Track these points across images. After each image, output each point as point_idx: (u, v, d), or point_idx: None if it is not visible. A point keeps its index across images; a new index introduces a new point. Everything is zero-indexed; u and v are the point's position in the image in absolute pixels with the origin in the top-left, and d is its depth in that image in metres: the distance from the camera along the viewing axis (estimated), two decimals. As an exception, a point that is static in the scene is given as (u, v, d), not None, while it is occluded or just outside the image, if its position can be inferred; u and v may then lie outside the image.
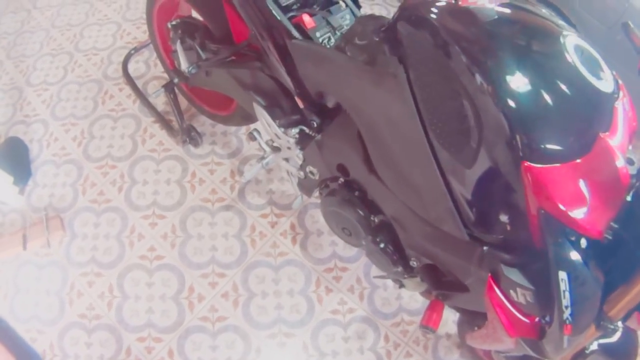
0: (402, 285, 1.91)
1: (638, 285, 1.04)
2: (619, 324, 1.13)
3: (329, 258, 2.62)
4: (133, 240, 2.68)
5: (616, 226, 1.08)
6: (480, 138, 1.14)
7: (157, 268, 2.60)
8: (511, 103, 1.07)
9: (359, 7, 1.82)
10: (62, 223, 2.72)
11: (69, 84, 3.25)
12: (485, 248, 1.32)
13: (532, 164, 1.05)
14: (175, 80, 2.60)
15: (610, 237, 1.08)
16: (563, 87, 1.09)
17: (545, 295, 1.12)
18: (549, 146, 1.06)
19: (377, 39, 1.43)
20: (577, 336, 1.13)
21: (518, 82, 1.08)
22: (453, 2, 1.23)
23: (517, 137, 1.06)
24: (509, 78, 1.08)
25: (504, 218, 1.21)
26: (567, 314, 1.07)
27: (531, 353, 1.30)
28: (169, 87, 2.82)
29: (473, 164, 1.18)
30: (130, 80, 3.19)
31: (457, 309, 1.83)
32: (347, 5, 1.80)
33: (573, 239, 1.05)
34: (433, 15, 1.21)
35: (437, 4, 1.24)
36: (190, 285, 2.55)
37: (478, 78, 1.10)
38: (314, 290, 2.54)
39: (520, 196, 1.10)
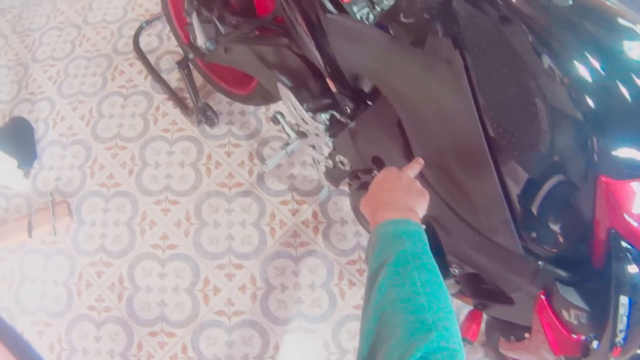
0: None
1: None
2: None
3: (353, 249, 2.45)
4: (144, 227, 2.52)
5: None
6: (551, 143, 1.00)
7: (170, 258, 2.45)
8: (592, 103, 0.92)
9: (400, -21, 1.62)
10: (69, 209, 2.57)
11: (76, 59, 3.07)
12: (540, 263, 1.17)
13: (610, 179, 0.93)
14: (190, 56, 2.38)
15: None
16: None
17: (599, 316, 1.03)
18: (630, 160, 0.93)
19: (427, 17, 1.21)
20: (624, 357, 1.04)
21: (601, 80, 0.93)
22: None
23: (597, 146, 0.93)
24: (590, 74, 0.93)
25: (565, 233, 1.09)
26: (620, 337, 0.98)
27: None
28: (183, 64, 2.63)
29: (539, 173, 1.05)
30: (141, 55, 3.00)
31: (496, 319, 1.67)
32: (387, -23, 1.59)
33: None
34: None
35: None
36: (206, 277, 2.40)
37: (554, 70, 0.95)
38: (336, 283, 2.38)
39: (588, 211, 0.99)
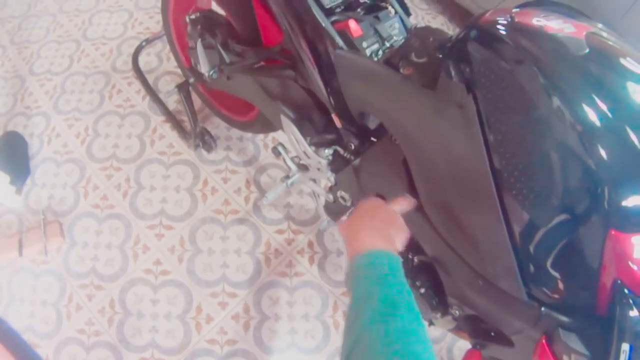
0: (431, 324, 1.74)
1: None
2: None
3: (349, 281, 2.40)
4: (137, 251, 2.49)
5: None
6: (562, 192, 0.99)
7: (163, 284, 2.41)
8: (605, 153, 0.91)
9: (408, 14, 1.61)
10: (61, 228, 2.53)
11: (74, 75, 3.05)
12: (543, 309, 1.15)
13: (621, 232, 0.92)
14: (191, 80, 2.37)
15: None
16: None
17: None
18: None
19: (440, 58, 1.20)
20: None
21: (615, 130, 0.92)
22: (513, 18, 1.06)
23: (609, 198, 0.91)
24: (604, 124, 0.92)
25: (570, 281, 1.08)
26: None
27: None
28: (183, 88, 2.61)
29: (548, 221, 1.04)
30: (140, 75, 2.99)
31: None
32: (396, 12, 1.58)
33: None
34: (518, 40, 1.02)
35: (521, 25, 1.05)
36: (198, 305, 2.37)
37: (567, 118, 0.93)
38: (331, 314, 2.37)
39: (595, 261, 0.98)
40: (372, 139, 1.61)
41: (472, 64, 1.08)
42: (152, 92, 2.90)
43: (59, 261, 2.49)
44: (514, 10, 1.10)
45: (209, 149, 2.69)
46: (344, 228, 1.18)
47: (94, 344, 2.31)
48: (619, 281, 0.96)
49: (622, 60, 1.02)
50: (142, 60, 3.07)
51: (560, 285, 1.10)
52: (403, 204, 1.29)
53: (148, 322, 2.34)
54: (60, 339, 2.33)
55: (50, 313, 2.38)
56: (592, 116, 0.92)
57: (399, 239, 1.14)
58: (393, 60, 1.33)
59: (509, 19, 1.07)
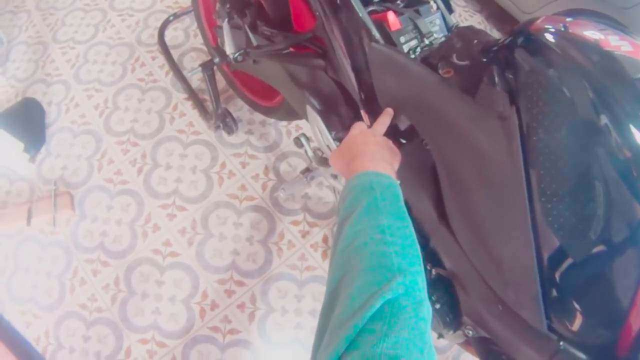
0: (441, 336, 1.68)
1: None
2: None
3: (359, 280, 2.35)
4: (147, 230, 2.44)
5: None
6: (602, 225, 0.91)
7: (170, 266, 2.37)
8: None
9: (451, 11, 1.53)
10: (72, 201, 2.50)
11: (98, 45, 3.00)
12: (561, 343, 1.09)
13: None
14: (216, 60, 2.29)
15: None
16: None
17: None
18: None
19: (483, 63, 1.12)
20: None
21: None
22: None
23: None
24: None
25: (596, 319, 1.01)
26: None
27: None
28: (207, 67, 2.54)
29: (582, 255, 0.97)
30: (165, 49, 2.93)
31: None
32: (438, 8, 1.50)
33: None
34: (571, 53, 0.95)
35: (575, 36, 0.98)
36: (204, 290, 2.33)
37: (617, 144, 0.87)
38: (339, 314, 2.28)
39: (626, 300, 0.92)
40: (402, 140, 1.49)
41: (519, 72, 1.01)
42: (175, 68, 2.84)
43: (67, 233, 2.45)
44: (567, 19, 1.02)
45: (230, 131, 2.63)
46: (336, 159, 1.16)
47: (95, 320, 2.29)
48: None
49: None
50: (168, 35, 3.01)
51: (586, 323, 1.04)
52: (386, 120, 1.27)
53: (152, 303, 2.31)
54: (62, 312, 2.31)
55: (53, 285, 2.36)
56: None
57: (395, 162, 1.14)
58: (432, 59, 1.26)
59: (563, 29, 0.99)
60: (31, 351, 2.25)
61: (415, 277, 0.77)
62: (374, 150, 1.10)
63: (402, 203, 0.95)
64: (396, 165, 1.13)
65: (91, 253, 2.41)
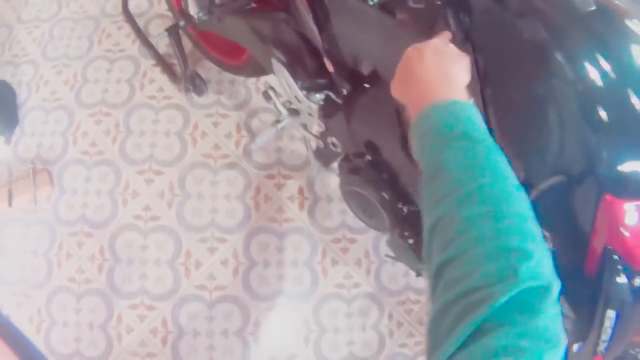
0: (419, 275, 1.69)
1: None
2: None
3: (338, 228, 2.36)
4: (127, 197, 2.41)
5: None
6: (558, 151, 0.97)
7: (152, 230, 2.35)
8: (605, 115, 0.89)
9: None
10: (51, 177, 2.46)
11: (62, 21, 2.91)
12: None
13: (614, 198, 0.90)
14: (181, 23, 2.23)
15: None
16: None
17: (584, 324, 1.02)
18: (637, 179, 0.90)
19: (439, 4, 1.10)
20: None
21: (616, 90, 0.90)
22: None
23: (606, 162, 0.90)
24: (605, 83, 0.89)
25: (560, 242, 1.04)
26: (602, 347, 0.98)
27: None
28: (173, 31, 2.48)
29: (541, 179, 1.01)
30: (130, 18, 2.85)
31: None
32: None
33: (631, 277, 0.95)
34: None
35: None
36: (187, 250, 2.31)
37: (568, 76, 0.91)
38: (319, 261, 2.30)
39: (587, 224, 0.96)
40: (365, 85, 1.54)
41: (472, 13, 1.04)
42: (142, 36, 2.78)
43: (48, 210, 2.42)
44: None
45: (200, 92, 2.58)
46: (397, 89, 0.99)
47: (85, 292, 2.27)
48: (609, 247, 0.94)
49: (627, 22, 0.97)
50: (132, 4, 2.92)
51: (551, 245, 1.06)
52: (445, 34, 1.03)
53: (137, 268, 2.29)
54: (51, 287, 2.29)
55: (40, 262, 2.34)
56: (595, 76, 0.89)
57: (462, 70, 0.93)
58: (389, 4, 1.26)
59: None
60: (32, 351, 2.23)
61: (536, 252, 0.69)
62: (433, 65, 0.92)
63: (483, 126, 0.82)
64: (465, 71, 0.94)
65: (74, 226, 2.38)
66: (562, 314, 1.01)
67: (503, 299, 0.63)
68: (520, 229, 0.71)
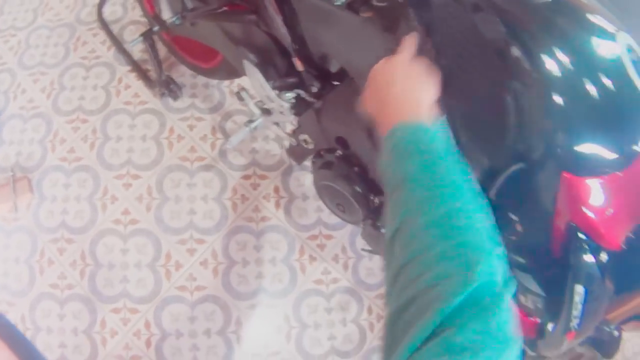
0: None
1: (641, 297, 0.99)
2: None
3: (314, 224, 2.38)
4: (106, 202, 2.41)
5: (632, 236, 1.01)
6: (517, 137, 0.99)
7: (132, 233, 2.35)
8: (559, 100, 0.92)
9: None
10: (30, 184, 2.46)
11: (38, 29, 2.91)
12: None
13: (573, 176, 0.94)
14: (155, 29, 2.23)
15: (624, 247, 1.01)
16: (612, 90, 0.94)
17: (555, 302, 1.03)
18: (593, 157, 0.93)
19: (401, 1, 1.15)
20: (578, 340, 1.09)
21: (570, 77, 0.93)
22: None
23: (562, 143, 0.93)
24: (560, 71, 0.92)
25: (523, 223, 1.09)
26: (574, 323, 1.00)
27: (525, 348, 1.23)
28: (147, 36, 2.47)
29: (502, 164, 1.04)
30: (105, 25, 2.85)
31: None
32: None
33: (596, 253, 0.97)
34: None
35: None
36: (167, 252, 2.32)
37: (524, 65, 0.94)
38: (297, 258, 2.32)
39: (549, 204, 0.99)
40: (334, 82, 1.58)
41: (432, 9, 1.07)
42: (117, 42, 2.78)
43: (29, 217, 2.42)
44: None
45: (175, 97, 2.58)
46: (367, 103, 1.00)
47: (68, 298, 2.27)
48: (573, 224, 0.97)
49: (583, 11, 1.02)
50: (107, 11, 2.92)
51: (516, 227, 1.10)
52: (412, 43, 1.02)
53: (119, 272, 2.29)
54: (34, 295, 2.29)
55: (23, 270, 2.33)
56: (551, 66, 0.92)
57: (431, 89, 0.93)
58: (354, 4, 1.29)
59: None
60: (32, 351, 2.23)
61: (495, 255, 0.71)
62: (404, 86, 0.92)
63: (451, 144, 0.85)
64: (434, 89, 0.94)
65: (55, 232, 2.37)
66: (534, 293, 1.07)
67: (460, 297, 0.65)
68: (476, 230, 0.74)
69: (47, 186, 2.47)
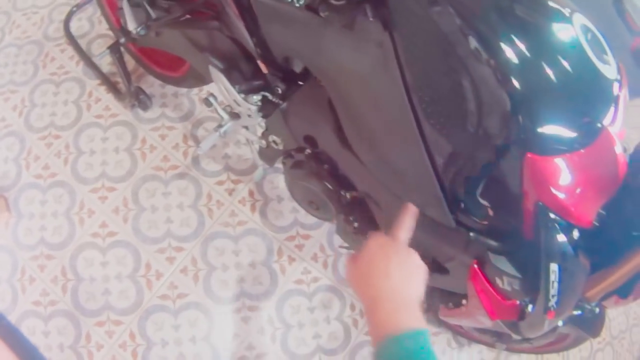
0: None
1: (619, 271, 1.02)
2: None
3: (291, 225, 2.38)
4: (83, 217, 2.39)
5: (603, 212, 1.04)
6: (479, 122, 1.02)
7: (111, 245, 2.34)
8: (517, 84, 0.94)
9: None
10: (7, 203, 2.43)
11: (7, 48, 2.87)
12: (471, 234, 1.21)
13: (536, 156, 0.96)
14: (122, 41, 2.23)
15: (596, 224, 1.03)
16: (571, 70, 0.97)
17: (531, 282, 1.07)
18: (555, 136, 0.96)
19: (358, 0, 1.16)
20: (558, 319, 1.13)
21: (527, 61, 0.95)
22: None
23: (523, 124, 0.95)
24: (516, 56, 0.94)
25: (494, 206, 1.14)
26: (552, 302, 1.03)
27: (508, 332, 1.29)
28: (114, 48, 2.46)
29: (468, 150, 1.08)
30: (72, 40, 2.82)
31: (434, 287, 1.68)
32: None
33: (567, 231, 1.00)
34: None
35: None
36: (147, 262, 2.30)
37: (481, 52, 0.95)
38: (276, 260, 2.33)
39: (516, 186, 1.02)
40: (299, 82, 1.59)
41: (389, 4, 1.07)
42: (85, 57, 2.75)
43: (7, 236, 2.39)
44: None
45: (145, 107, 2.57)
46: (355, 276, 1.05)
47: (51, 314, 2.25)
48: (542, 204, 0.99)
49: None
50: (74, 26, 2.89)
51: (487, 211, 1.15)
52: (409, 222, 1.12)
53: (100, 285, 2.28)
54: (18, 313, 2.26)
55: (5, 289, 2.31)
56: (510, 54, 0.93)
57: (421, 286, 1.01)
58: (313, 4, 1.28)
59: None
60: (32, 351, 2.21)
61: None
62: (397, 285, 0.97)
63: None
64: (423, 286, 1.01)
65: (34, 250, 2.35)
66: (510, 275, 1.10)
67: None
68: None
69: (23, 204, 2.45)
